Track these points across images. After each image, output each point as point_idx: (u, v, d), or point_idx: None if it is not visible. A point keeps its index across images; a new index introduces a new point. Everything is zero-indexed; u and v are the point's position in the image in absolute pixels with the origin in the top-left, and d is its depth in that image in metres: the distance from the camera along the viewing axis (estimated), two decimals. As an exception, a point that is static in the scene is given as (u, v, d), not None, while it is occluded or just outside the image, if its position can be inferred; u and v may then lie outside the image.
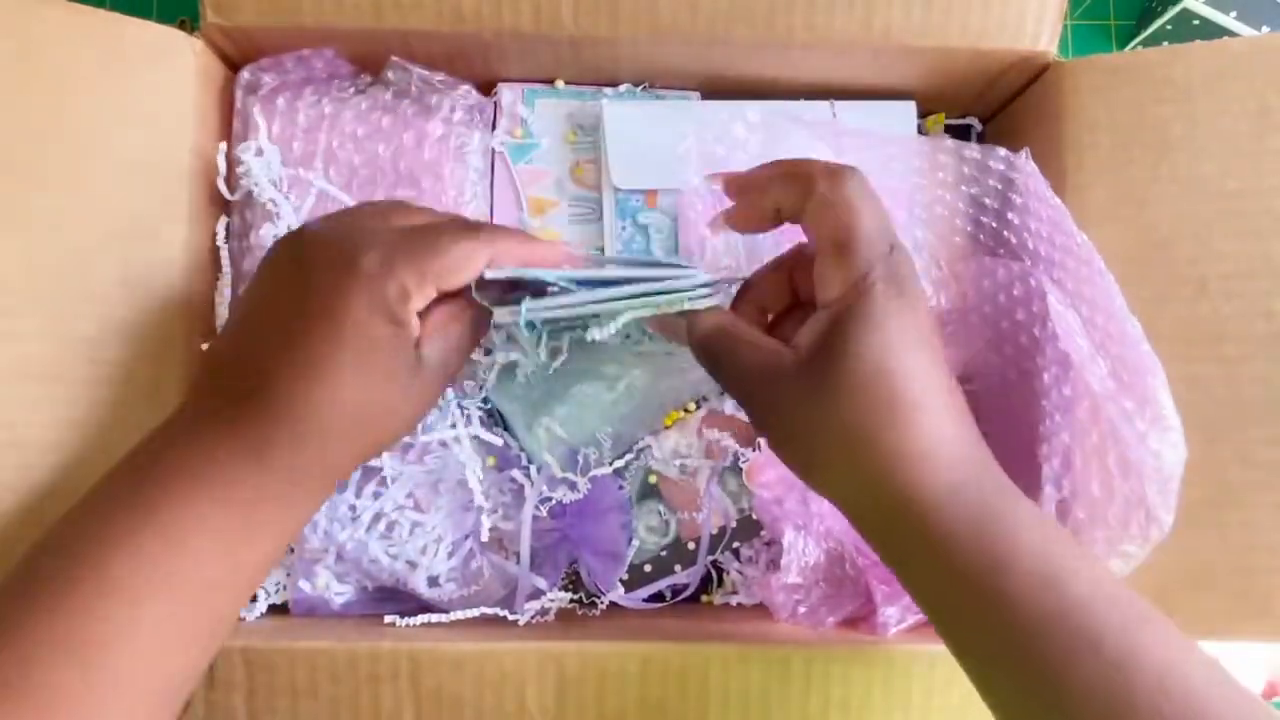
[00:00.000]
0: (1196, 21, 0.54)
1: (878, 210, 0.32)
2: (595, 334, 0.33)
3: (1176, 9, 0.54)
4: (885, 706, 0.37)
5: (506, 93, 0.47)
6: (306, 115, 0.43)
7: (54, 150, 0.37)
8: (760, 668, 0.37)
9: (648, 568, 0.45)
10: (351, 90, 0.45)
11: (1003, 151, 0.41)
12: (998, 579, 0.29)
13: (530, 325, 0.33)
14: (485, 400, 0.44)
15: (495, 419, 0.45)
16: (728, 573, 0.46)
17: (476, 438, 0.43)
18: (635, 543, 0.44)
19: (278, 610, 0.42)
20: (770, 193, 0.33)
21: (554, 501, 0.44)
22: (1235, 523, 0.39)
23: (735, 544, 0.45)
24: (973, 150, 0.42)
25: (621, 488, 0.45)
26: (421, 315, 0.31)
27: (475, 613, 0.41)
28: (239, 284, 0.43)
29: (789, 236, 0.36)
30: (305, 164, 0.43)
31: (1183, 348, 0.39)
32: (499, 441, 0.44)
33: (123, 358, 0.38)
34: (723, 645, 0.37)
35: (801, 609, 0.40)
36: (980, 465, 0.31)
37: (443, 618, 0.41)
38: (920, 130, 0.49)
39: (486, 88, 0.47)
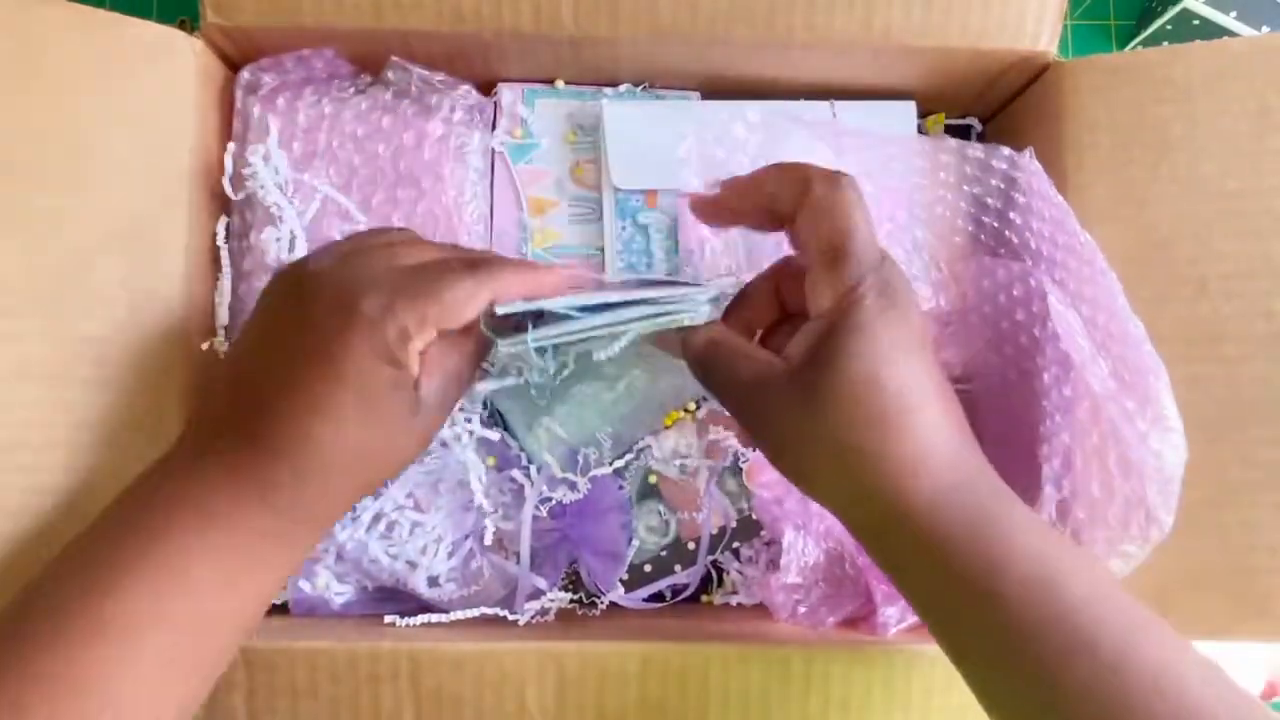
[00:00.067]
0: (1196, 21, 0.54)
1: (869, 220, 0.32)
2: (601, 354, 0.33)
3: (1176, 9, 0.54)
4: (885, 706, 0.37)
5: (506, 93, 0.47)
6: (306, 115, 0.43)
7: (54, 150, 0.37)
8: (760, 668, 0.37)
9: (648, 568, 0.45)
10: (351, 90, 0.45)
11: (1006, 151, 0.41)
12: (993, 582, 0.29)
13: (539, 351, 0.33)
14: (485, 401, 0.44)
15: (495, 419, 0.45)
16: (728, 573, 0.46)
17: (477, 438, 0.43)
18: (635, 543, 0.44)
19: (278, 610, 0.42)
20: (766, 187, 0.33)
21: (554, 501, 0.44)
22: (1235, 523, 0.39)
23: (735, 544, 0.45)
24: (976, 150, 0.42)
25: (621, 488, 0.45)
26: (421, 352, 0.31)
27: (475, 613, 0.41)
28: (239, 284, 0.43)
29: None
30: (305, 164, 0.43)
31: (1183, 348, 0.39)
32: (499, 441, 0.44)
33: (123, 358, 0.38)
34: (723, 645, 0.37)
35: (801, 609, 0.40)
36: (974, 470, 0.31)
37: (443, 618, 0.41)
38: (920, 130, 0.49)
39: (486, 88, 0.47)
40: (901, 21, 0.42)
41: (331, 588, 0.42)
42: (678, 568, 0.45)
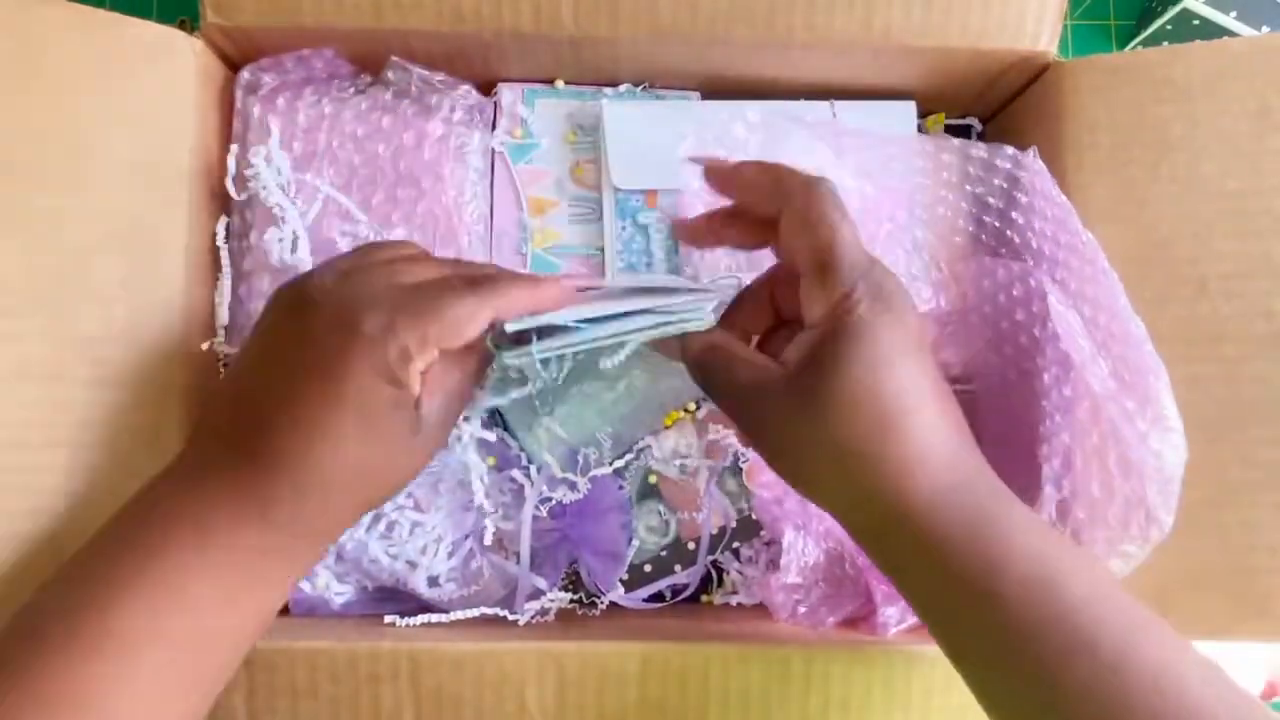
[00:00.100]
0: (1196, 21, 0.54)
1: (853, 225, 0.32)
2: (606, 363, 0.33)
3: (1176, 9, 0.54)
4: (885, 706, 0.37)
5: (506, 93, 0.47)
6: (306, 115, 0.43)
7: (54, 150, 0.37)
8: (760, 668, 0.37)
9: (648, 568, 0.45)
10: (351, 90, 0.45)
11: (1010, 150, 0.41)
12: (991, 582, 0.29)
13: (543, 361, 0.34)
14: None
15: (495, 419, 0.45)
16: (728, 573, 0.46)
17: (477, 438, 0.43)
18: (635, 543, 0.44)
19: (278, 610, 0.42)
20: (745, 177, 0.34)
21: (554, 501, 0.44)
22: (1235, 523, 0.39)
23: (735, 544, 0.45)
24: (979, 149, 0.42)
25: (621, 488, 0.45)
26: (422, 372, 0.31)
27: (475, 613, 0.41)
28: (238, 284, 0.43)
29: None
30: (305, 164, 0.43)
31: (1183, 348, 0.39)
32: (499, 441, 0.44)
33: (123, 358, 0.38)
34: (723, 645, 0.37)
35: (801, 609, 0.40)
36: (973, 470, 0.31)
37: (443, 618, 0.41)
38: (920, 130, 0.49)
39: (486, 88, 0.47)
40: (901, 21, 0.42)
41: (331, 588, 0.42)
42: (678, 568, 0.45)
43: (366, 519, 0.41)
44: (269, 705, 0.36)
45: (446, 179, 0.44)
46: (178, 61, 0.40)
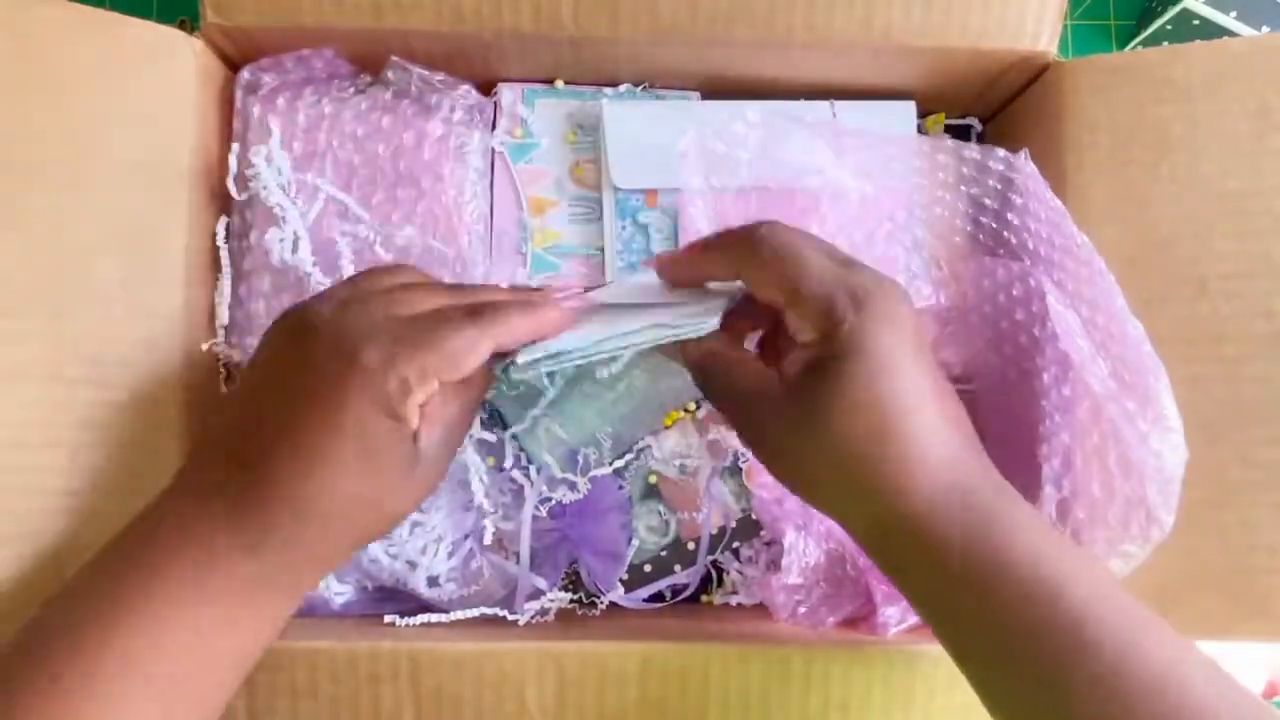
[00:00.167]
0: (1196, 21, 0.54)
1: (814, 243, 0.32)
2: (603, 372, 0.34)
3: (1176, 9, 0.54)
4: (885, 706, 0.37)
5: (506, 93, 0.47)
6: (306, 115, 0.43)
7: (54, 150, 0.37)
8: (760, 668, 0.37)
9: (648, 568, 0.45)
10: (351, 90, 0.45)
11: (1001, 152, 0.41)
12: (993, 582, 0.29)
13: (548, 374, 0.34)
14: (485, 401, 0.44)
15: (495, 419, 0.45)
16: (728, 573, 0.46)
17: (477, 438, 0.43)
18: (635, 543, 0.44)
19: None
20: (700, 263, 0.34)
21: (554, 501, 0.44)
22: (1235, 523, 0.39)
23: (735, 544, 0.45)
24: (972, 151, 0.42)
25: (621, 488, 0.45)
26: (422, 405, 0.31)
27: (475, 613, 0.41)
28: (239, 284, 0.43)
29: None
30: (305, 164, 0.43)
31: (1183, 348, 0.39)
32: (499, 441, 0.44)
33: (123, 357, 0.38)
34: (723, 645, 0.37)
35: (801, 609, 0.40)
36: (976, 469, 0.31)
37: (443, 618, 0.41)
38: (920, 130, 0.49)
39: (486, 88, 0.47)
40: (901, 21, 0.42)
41: (331, 588, 0.42)
42: (678, 568, 0.45)
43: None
44: (269, 705, 0.36)
45: (446, 179, 0.44)
46: (178, 61, 0.40)
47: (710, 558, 0.45)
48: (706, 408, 0.45)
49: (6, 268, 0.36)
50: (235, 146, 0.42)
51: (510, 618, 0.41)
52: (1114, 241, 0.40)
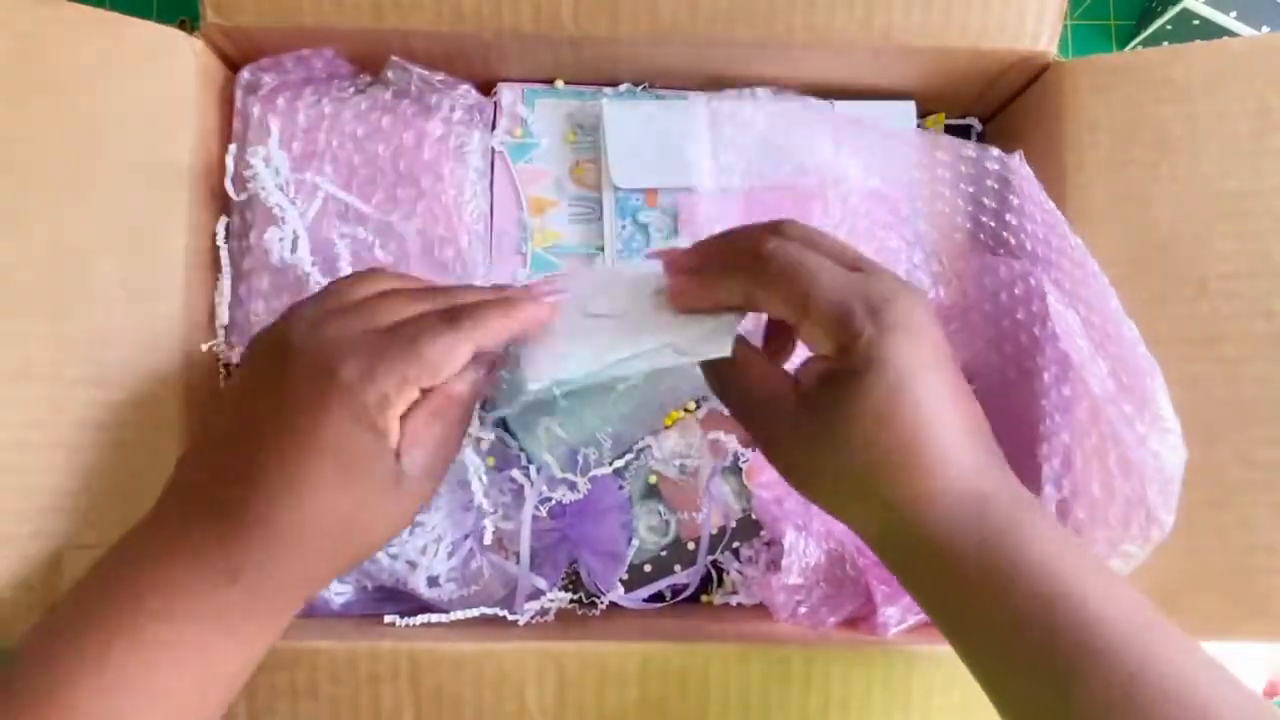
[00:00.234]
0: (1196, 21, 0.54)
1: (820, 257, 0.31)
2: (619, 386, 0.34)
3: (1176, 9, 0.54)
4: (885, 706, 0.37)
5: (506, 93, 0.47)
6: (306, 115, 0.43)
7: (54, 150, 0.37)
8: (760, 668, 0.37)
9: (648, 568, 0.45)
10: (351, 90, 0.45)
11: (996, 152, 0.41)
12: (1009, 589, 0.29)
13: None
14: (485, 401, 0.44)
15: (499, 421, 0.45)
16: (728, 573, 0.46)
17: (476, 438, 0.43)
18: (635, 543, 0.44)
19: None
20: (720, 288, 0.32)
21: (554, 501, 0.44)
22: (1235, 523, 0.39)
23: (735, 544, 0.45)
24: (969, 149, 0.42)
25: (621, 488, 0.45)
26: (404, 417, 0.30)
27: (475, 613, 0.41)
28: (238, 284, 0.43)
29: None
30: (305, 164, 0.43)
31: (1183, 348, 0.39)
32: (499, 441, 0.44)
33: (123, 358, 0.38)
34: (723, 645, 0.37)
35: (802, 609, 0.40)
36: (993, 476, 0.31)
37: (443, 618, 0.41)
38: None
39: (486, 88, 0.47)
40: (901, 21, 0.42)
41: (331, 588, 0.42)
42: (678, 568, 0.45)
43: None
44: (269, 705, 0.36)
45: (446, 179, 0.44)
46: (178, 61, 0.40)
47: (710, 558, 0.45)
48: (706, 407, 0.45)
49: (6, 268, 0.36)
50: (233, 147, 0.42)
51: (510, 618, 0.41)
52: (1114, 241, 0.40)
